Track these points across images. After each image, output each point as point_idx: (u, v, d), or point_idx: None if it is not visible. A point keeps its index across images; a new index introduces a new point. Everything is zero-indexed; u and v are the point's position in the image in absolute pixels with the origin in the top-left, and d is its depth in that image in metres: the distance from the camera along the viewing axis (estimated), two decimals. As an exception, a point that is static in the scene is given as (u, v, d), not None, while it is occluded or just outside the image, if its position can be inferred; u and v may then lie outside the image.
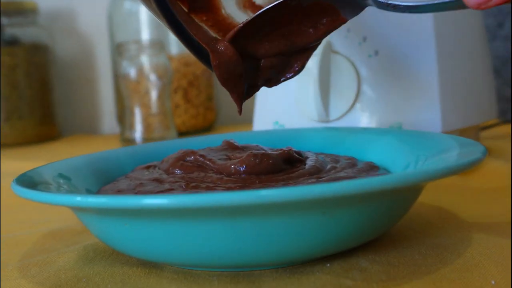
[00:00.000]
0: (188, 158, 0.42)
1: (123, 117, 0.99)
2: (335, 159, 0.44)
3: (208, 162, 0.41)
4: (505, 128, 0.82)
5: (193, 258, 0.33)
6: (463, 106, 0.60)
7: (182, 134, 1.06)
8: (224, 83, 0.39)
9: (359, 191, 0.29)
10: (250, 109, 0.83)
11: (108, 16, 1.14)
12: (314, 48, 0.41)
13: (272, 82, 0.41)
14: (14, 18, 1.14)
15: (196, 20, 0.40)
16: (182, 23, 0.37)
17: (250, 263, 0.33)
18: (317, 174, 0.39)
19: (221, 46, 0.38)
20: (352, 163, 0.42)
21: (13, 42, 1.13)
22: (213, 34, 0.40)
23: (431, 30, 0.58)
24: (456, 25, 0.61)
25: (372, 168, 0.41)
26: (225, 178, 0.38)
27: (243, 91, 0.40)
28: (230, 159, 0.42)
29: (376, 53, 0.58)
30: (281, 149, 0.42)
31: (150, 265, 0.36)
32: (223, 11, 0.41)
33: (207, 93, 1.12)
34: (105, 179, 0.45)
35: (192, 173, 0.40)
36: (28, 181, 0.36)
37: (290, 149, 0.41)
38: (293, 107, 0.62)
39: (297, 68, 0.41)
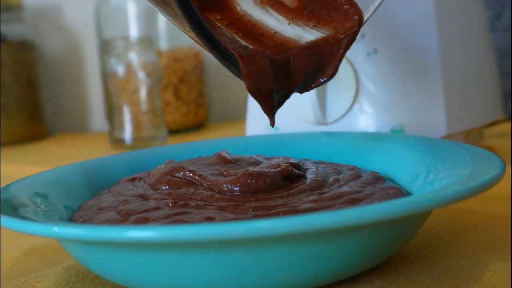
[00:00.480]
0: (176, 174, 0.39)
1: (112, 115, 0.96)
2: (337, 169, 0.41)
3: (198, 178, 0.38)
4: (508, 125, 0.79)
5: None
6: (468, 107, 0.57)
7: (173, 132, 1.04)
8: (254, 94, 0.36)
9: (372, 219, 0.26)
10: (243, 105, 0.80)
11: (95, 12, 1.12)
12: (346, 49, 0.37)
13: (304, 89, 0.38)
14: (-1, 15, 1.12)
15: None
16: (207, 27, 0.34)
17: None
18: (319, 189, 0.36)
19: (255, 55, 0.35)
20: (356, 174, 0.39)
21: (-1, 39, 1.11)
22: (231, 34, 0.37)
23: (433, 25, 0.55)
24: (459, 20, 0.58)
25: (378, 180, 0.38)
26: (217, 195, 0.35)
27: (274, 103, 0.37)
28: (222, 174, 0.39)
29: (375, 51, 0.55)
30: (278, 163, 0.39)
31: None
32: (238, 8, 0.38)
33: (198, 89, 1.10)
34: (87, 191, 0.42)
35: (180, 188, 0.37)
36: (3, 205, 0.33)
37: (289, 165, 0.38)
38: (288, 109, 0.59)
39: (330, 72, 0.37)
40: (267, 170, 0.37)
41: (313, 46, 0.36)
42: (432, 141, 0.41)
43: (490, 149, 0.66)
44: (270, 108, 0.36)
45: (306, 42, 0.37)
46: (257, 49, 0.36)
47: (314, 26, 0.38)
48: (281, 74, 0.36)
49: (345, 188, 0.36)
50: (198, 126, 1.11)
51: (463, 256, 0.35)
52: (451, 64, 0.56)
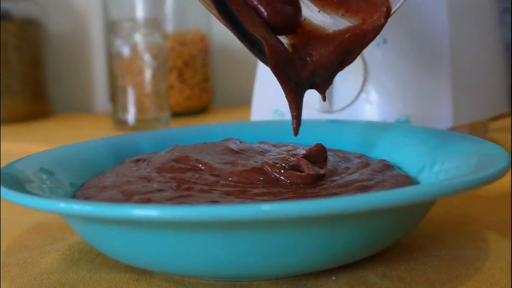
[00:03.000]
0: (182, 163, 0.39)
1: (116, 96, 0.96)
2: (346, 157, 0.41)
3: (202, 167, 0.38)
4: None
5: (186, 268, 0.30)
6: (475, 100, 0.57)
7: (176, 115, 1.04)
8: (281, 80, 0.36)
9: (381, 205, 0.26)
10: (247, 91, 0.80)
11: (102, -9, 1.11)
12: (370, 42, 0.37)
13: (328, 81, 0.38)
14: (5, -8, 1.12)
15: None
16: (234, 13, 0.34)
17: (248, 275, 0.31)
18: (330, 177, 0.36)
19: (278, 43, 0.35)
20: (365, 162, 0.39)
21: (4, 17, 1.10)
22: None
23: (445, 17, 0.55)
24: (470, 12, 0.58)
25: (387, 168, 0.38)
26: (222, 181, 0.35)
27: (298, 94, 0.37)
28: (231, 164, 0.38)
29: (385, 41, 0.55)
30: (288, 157, 0.38)
31: (140, 271, 0.33)
32: None
33: (203, 73, 1.09)
34: (91, 169, 0.42)
35: (185, 173, 0.37)
36: (8, 180, 0.33)
37: (305, 163, 0.37)
38: None
39: (348, 64, 0.37)
40: (279, 164, 0.36)
41: (340, 37, 0.36)
42: (438, 132, 0.41)
43: (494, 142, 0.65)
44: (295, 99, 0.37)
45: (333, 30, 0.37)
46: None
47: (343, 15, 0.37)
48: (303, 67, 0.36)
49: (356, 176, 0.36)
50: (201, 110, 1.10)
51: (464, 246, 0.35)
52: (460, 57, 0.55)
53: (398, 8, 0.37)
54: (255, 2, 0.36)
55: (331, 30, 0.37)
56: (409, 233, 0.37)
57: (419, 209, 0.32)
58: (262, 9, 0.36)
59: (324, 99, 0.38)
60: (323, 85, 0.38)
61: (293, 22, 0.37)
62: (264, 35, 0.35)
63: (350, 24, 0.37)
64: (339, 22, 0.38)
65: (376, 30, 0.36)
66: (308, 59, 0.36)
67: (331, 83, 0.38)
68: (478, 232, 0.38)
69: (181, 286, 0.31)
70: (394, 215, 0.29)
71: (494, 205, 0.44)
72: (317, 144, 0.39)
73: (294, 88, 0.36)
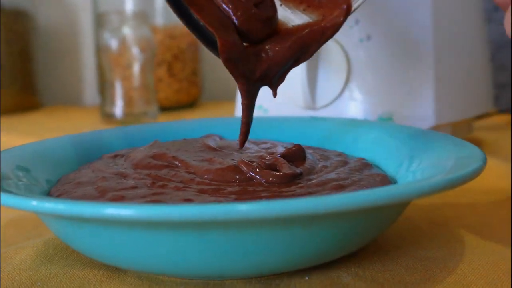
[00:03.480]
0: (159, 160, 0.39)
1: (104, 90, 0.96)
2: (325, 155, 0.40)
3: (179, 164, 0.38)
4: (500, 118, 0.79)
5: (158, 267, 0.30)
6: (458, 99, 0.57)
7: (165, 109, 1.04)
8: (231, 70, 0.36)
9: (349, 207, 0.26)
10: (234, 85, 0.80)
11: (91, -17, 1.11)
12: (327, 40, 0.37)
13: (281, 78, 0.38)
14: (-7, -17, 1.11)
15: None
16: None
17: (221, 274, 0.30)
18: (307, 175, 0.36)
19: (231, 37, 0.35)
20: (343, 160, 0.39)
21: (-7, 8, 1.10)
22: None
23: (429, 14, 0.55)
24: (455, 10, 0.58)
25: (365, 166, 0.38)
26: (197, 179, 0.35)
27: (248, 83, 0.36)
28: (207, 161, 0.38)
29: (369, 37, 0.55)
30: (266, 155, 0.38)
31: (113, 268, 0.33)
32: None
33: (192, 67, 1.09)
34: (69, 165, 0.42)
35: (161, 170, 0.37)
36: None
37: (281, 162, 0.37)
38: (278, 91, 0.59)
39: (305, 60, 0.37)
40: (255, 164, 0.36)
41: (298, 33, 0.36)
42: (417, 131, 0.41)
43: (478, 141, 0.66)
44: (249, 97, 0.37)
45: (292, 25, 0.37)
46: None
47: (304, 10, 0.37)
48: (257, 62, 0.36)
49: (333, 175, 0.36)
50: (190, 104, 1.10)
51: (440, 247, 0.35)
52: (444, 55, 0.55)
53: (358, 6, 0.37)
54: (227, 9, 0.35)
55: (290, 25, 0.37)
56: (385, 233, 0.37)
57: (393, 210, 0.31)
58: (234, 19, 0.35)
59: (275, 95, 0.38)
60: (276, 82, 0.37)
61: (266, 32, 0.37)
62: (217, 27, 0.34)
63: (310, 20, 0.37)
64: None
65: (335, 28, 0.36)
66: (263, 55, 0.36)
67: (284, 80, 0.38)
68: (454, 233, 0.38)
69: (154, 284, 0.31)
70: (367, 215, 0.29)
71: (473, 204, 0.44)
72: (295, 144, 0.39)
73: (248, 85, 0.36)
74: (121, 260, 0.30)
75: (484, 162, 0.31)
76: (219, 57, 0.35)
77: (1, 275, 0.33)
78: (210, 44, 0.36)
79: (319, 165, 0.38)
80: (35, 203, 0.28)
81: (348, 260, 0.33)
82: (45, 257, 0.35)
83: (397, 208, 0.32)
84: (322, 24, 0.36)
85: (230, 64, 0.35)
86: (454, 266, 0.32)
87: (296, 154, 0.38)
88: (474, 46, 0.61)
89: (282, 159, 0.37)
